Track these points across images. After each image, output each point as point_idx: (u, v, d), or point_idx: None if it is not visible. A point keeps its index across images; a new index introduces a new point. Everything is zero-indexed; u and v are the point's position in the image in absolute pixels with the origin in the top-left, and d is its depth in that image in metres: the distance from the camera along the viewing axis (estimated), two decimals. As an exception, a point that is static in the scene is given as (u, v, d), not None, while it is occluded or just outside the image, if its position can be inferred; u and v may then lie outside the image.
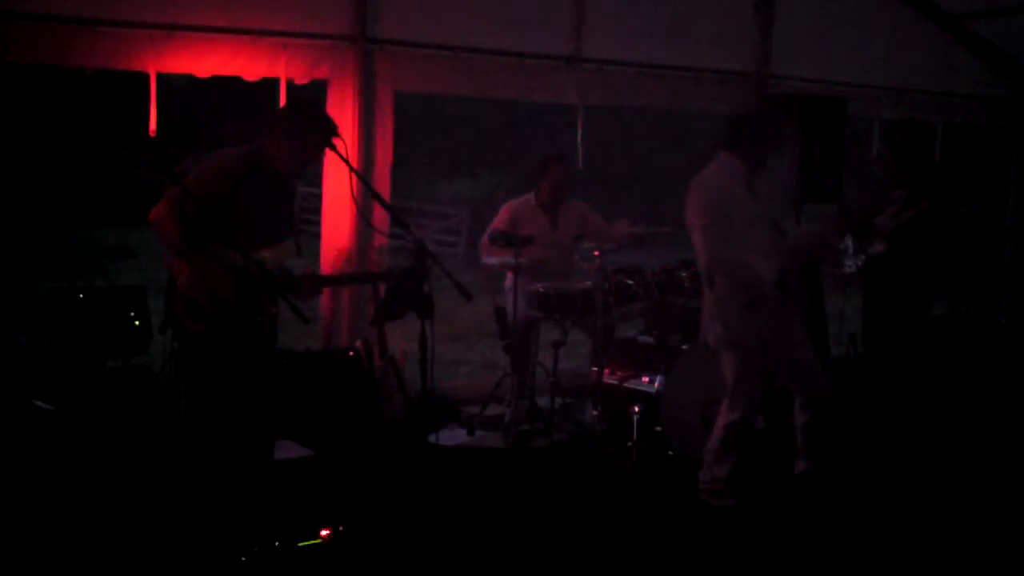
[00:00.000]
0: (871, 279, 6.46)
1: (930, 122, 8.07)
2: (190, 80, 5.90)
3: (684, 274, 6.12)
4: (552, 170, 6.49)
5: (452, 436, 6.20)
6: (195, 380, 4.33)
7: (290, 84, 5.93)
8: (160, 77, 5.61)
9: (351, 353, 5.89)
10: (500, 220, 6.52)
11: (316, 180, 6.30)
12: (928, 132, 7.51)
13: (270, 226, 4.32)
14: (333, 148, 4.27)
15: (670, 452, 5.80)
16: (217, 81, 6.00)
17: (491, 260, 6.33)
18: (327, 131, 4.28)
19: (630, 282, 6.06)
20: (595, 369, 5.97)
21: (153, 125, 5.62)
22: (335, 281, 5.84)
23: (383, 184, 6.24)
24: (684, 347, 6.02)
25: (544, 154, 6.74)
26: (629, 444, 5.76)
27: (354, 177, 4.57)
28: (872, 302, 6.51)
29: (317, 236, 6.43)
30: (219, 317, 4.16)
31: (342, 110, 6.10)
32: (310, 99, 4.48)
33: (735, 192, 4.93)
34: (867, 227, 6.32)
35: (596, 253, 5.91)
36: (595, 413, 5.84)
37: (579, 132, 6.93)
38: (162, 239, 4.12)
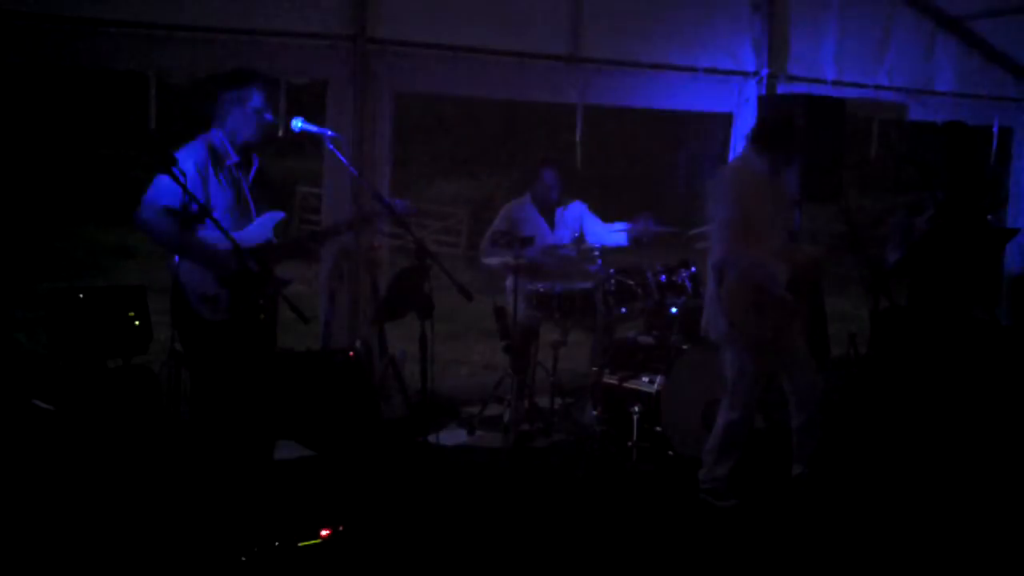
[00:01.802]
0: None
1: (930, 122, 8.08)
2: (190, 80, 5.90)
3: (684, 274, 6.12)
4: (542, 173, 6.54)
5: (452, 436, 6.21)
6: (208, 374, 4.33)
7: (290, 84, 5.93)
8: (160, 77, 5.61)
9: (351, 353, 5.88)
10: (499, 221, 6.55)
11: (316, 180, 6.31)
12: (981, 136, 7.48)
13: (246, 206, 4.40)
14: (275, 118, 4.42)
15: (670, 452, 5.80)
16: (217, 81, 6.00)
17: (491, 261, 6.34)
18: (266, 91, 4.40)
19: (630, 282, 6.06)
20: (595, 369, 5.97)
21: (153, 125, 5.63)
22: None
23: (383, 184, 6.24)
24: (684, 347, 6.02)
25: (538, 159, 6.79)
26: (629, 444, 5.76)
27: (354, 177, 4.61)
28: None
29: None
30: (236, 301, 4.21)
31: (342, 110, 6.10)
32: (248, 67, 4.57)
33: (758, 191, 4.94)
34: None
35: (596, 253, 5.91)
36: (595, 413, 5.84)
37: (578, 132, 6.93)
38: (157, 239, 4.16)
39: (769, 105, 7.04)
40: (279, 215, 4.45)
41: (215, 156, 4.32)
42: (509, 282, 6.31)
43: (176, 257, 4.26)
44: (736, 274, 4.90)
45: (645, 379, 5.96)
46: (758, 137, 5.07)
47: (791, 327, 5.04)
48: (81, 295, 5.39)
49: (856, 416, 6.37)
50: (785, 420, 5.43)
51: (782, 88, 7.46)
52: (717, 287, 4.99)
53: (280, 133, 5.67)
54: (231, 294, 4.19)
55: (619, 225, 6.45)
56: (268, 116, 4.45)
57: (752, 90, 7.42)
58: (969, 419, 6.27)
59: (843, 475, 5.41)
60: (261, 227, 4.38)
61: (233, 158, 4.38)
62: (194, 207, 4.15)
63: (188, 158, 4.24)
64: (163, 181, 4.14)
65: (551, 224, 6.59)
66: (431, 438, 5.16)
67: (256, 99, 4.39)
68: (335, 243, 6.15)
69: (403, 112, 6.43)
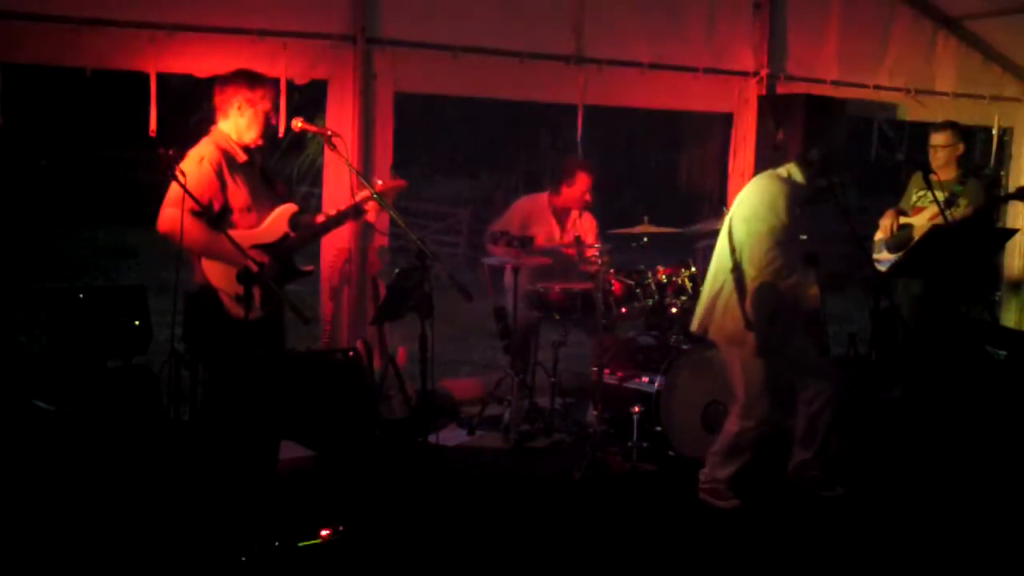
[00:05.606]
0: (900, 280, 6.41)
1: (929, 122, 8.08)
2: (190, 80, 5.90)
3: (684, 274, 6.12)
4: (578, 174, 6.47)
5: (452, 436, 6.21)
6: (229, 374, 4.34)
7: (290, 84, 5.93)
8: (160, 77, 5.62)
9: (351, 353, 5.88)
10: (509, 218, 6.53)
11: (316, 180, 6.31)
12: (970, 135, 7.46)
13: (260, 203, 4.42)
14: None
15: (670, 452, 5.80)
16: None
17: (491, 260, 6.34)
18: (274, 93, 4.52)
19: (630, 282, 6.06)
20: (595, 369, 5.97)
21: (153, 125, 5.64)
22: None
23: (383, 184, 6.24)
24: (684, 347, 6.02)
25: (573, 159, 6.70)
26: (629, 444, 5.76)
27: (354, 177, 4.61)
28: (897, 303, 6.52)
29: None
30: (267, 296, 4.26)
31: (342, 110, 6.11)
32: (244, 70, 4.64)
33: (794, 203, 4.94)
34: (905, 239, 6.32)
35: (596, 253, 5.91)
36: (595, 413, 5.84)
37: (579, 131, 6.93)
38: (182, 243, 4.15)
39: (808, 109, 6.94)
40: (291, 208, 4.52)
41: (227, 156, 4.35)
42: (509, 282, 6.30)
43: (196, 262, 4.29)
44: (765, 279, 4.87)
45: (645, 379, 5.96)
46: (808, 156, 5.04)
47: (800, 331, 5.05)
48: (81, 295, 5.39)
49: (857, 417, 6.38)
50: (785, 419, 5.43)
51: (782, 88, 7.46)
52: (739, 290, 4.95)
53: (280, 133, 5.69)
54: (262, 290, 4.25)
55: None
56: (271, 119, 4.53)
57: (752, 90, 7.42)
58: (970, 420, 6.28)
59: (844, 476, 5.41)
60: (277, 222, 4.45)
61: (242, 156, 4.41)
62: (214, 206, 4.21)
63: (203, 157, 4.27)
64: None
65: (562, 227, 6.59)
66: (431, 438, 5.16)
67: (266, 101, 4.45)
68: (335, 244, 6.17)
69: (403, 112, 6.42)
